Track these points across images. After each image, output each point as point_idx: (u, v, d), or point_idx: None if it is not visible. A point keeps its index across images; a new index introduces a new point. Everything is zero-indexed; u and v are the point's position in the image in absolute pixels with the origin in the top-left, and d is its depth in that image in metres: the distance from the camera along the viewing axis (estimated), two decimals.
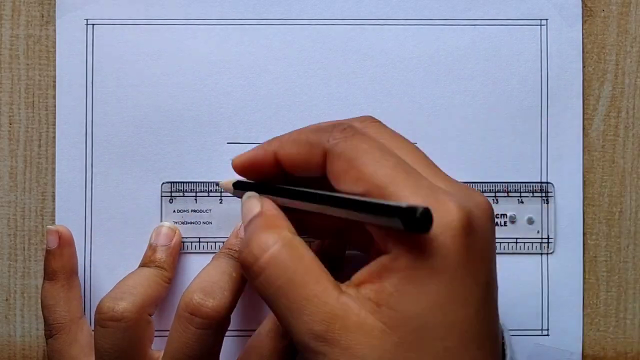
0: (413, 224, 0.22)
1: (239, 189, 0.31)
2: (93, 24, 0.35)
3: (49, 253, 0.34)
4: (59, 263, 0.34)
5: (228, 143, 0.35)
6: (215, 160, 0.35)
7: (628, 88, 0.36)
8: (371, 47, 0.35)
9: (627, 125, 0.36)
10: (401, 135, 0.28)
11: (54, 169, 0.35)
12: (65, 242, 0.34)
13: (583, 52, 0.36)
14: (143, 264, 0.34)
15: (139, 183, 0.35)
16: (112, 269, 0.35)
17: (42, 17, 0.36)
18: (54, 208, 0.35)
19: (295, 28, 0.36)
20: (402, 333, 0.23)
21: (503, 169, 0.35)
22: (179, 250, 0.35)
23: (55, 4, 0.35)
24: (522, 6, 0.36)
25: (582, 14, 0.36)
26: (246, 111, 0.35)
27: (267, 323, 0.32)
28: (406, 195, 0.24)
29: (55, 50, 0.35)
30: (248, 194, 0.30)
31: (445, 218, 0.23)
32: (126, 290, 0.31)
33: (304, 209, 0.27)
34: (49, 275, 0.34)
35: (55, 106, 0.35)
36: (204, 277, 0.31)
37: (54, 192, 0.35)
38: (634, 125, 0.36)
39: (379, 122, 0.28)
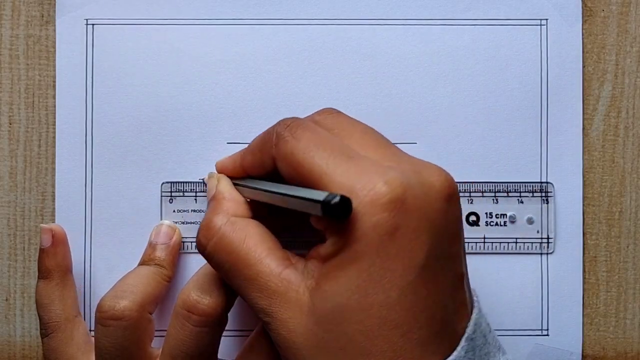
0: (330, 212, 0.23)
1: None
2: (93, 24, 0.35)
3: (42, 252, 0.34)
4: (52, 262, 0.34)
5: (228, 143, 0.35)
6: (215, 160, 0.35)
7: (628, 88, 0.36)
8: (371, 47, 0.35)
9: (627, 125, 0.36)
10: (358, 122, 0.28)
11: (54, 169, 0.35)
12: (58, 241, 0.34)
13: (583, 52, 0.36)
14: (142, 262, 0.34)
15: (139, 183, 0.35)
16: (111, 268, 0.35)
17: (42, 17, 0.36)
18: (54, 208, 0.35)
19: (295, 28, 0.36)
20: (323, 312, 0.24)
21: (503, 169, 0.35)
22: (179, 249, 0.35)
23: (55, 4, 0.35)
24: (522, 6, 0.36)
25: (582, 14, 0.36)
26: (246, 111, 0.35)
27: None
28: (339, 181, 0.24)
29: (55, 50, 0.35)
30: (209, 174, 0.32)
31: (370, 197, 0.23)
32: (127, 288, 0.31)
33: (260, 200, 0.29)
34: (43, 274, 0.34)
35: (55, 106, 0.35)
36: (201, 276, 0.31)
37: (54, 192, 0.35)
38: (634, 125, 0.36)
39: (338, 112, 0.29)
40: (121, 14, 0.35)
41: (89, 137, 0.35)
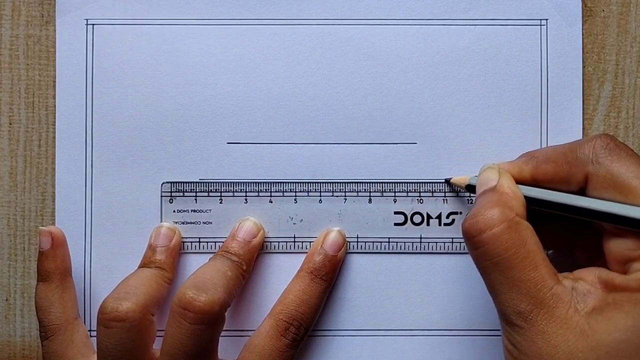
0: None
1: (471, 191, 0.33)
2: (93, 24, 0.35)
3: (42, 254, 0.34)
4: (52, 264, 0.33)
5: (228, 143, 0.35)
6: (215, 160, 0.35)
7: (628, 88, 0.36)
8: (371, 47, 0.35)
9: (627, 125, 0.36)
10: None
11: (54, 169, 0.35)
12: (58, 243, 0.34)
13: (583, 52, 0.36)
14: (143, 265, 0.34)
15: (139, 183, 0.35)
16: (111, 269, 0.35)
17: (42, 17, 0.36)
18: (54, 208, 0.35)
19: (295, 28, 0.36)
20: (606, 341, 0.25)
21: None
22: (179, 251, 0.35)
23: (55, 4, 0.35)
24: (522, 6, 0.36)
25: (582, 14, 0.36)
26: (246, 111, 0.35)
27: (267, 322, 0.32)
28: None
29: (55, 50, 0.35)
30: (488, 165, 0.31)
31: None
32: (129, 290, 0.31)
33: (548, 210, 0.29)
34: (42, 276, 0.33)
35: (55, 106, 0.35)
36: (198, 275, 0.31)
37: (54, 192, 0.35)
38: (634, 125, 0.36)
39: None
40: (121, 14, 0.35)
41: (89, 137, 0.35)
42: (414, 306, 0.35)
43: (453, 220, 0.35)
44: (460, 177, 0.34)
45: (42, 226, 0.34)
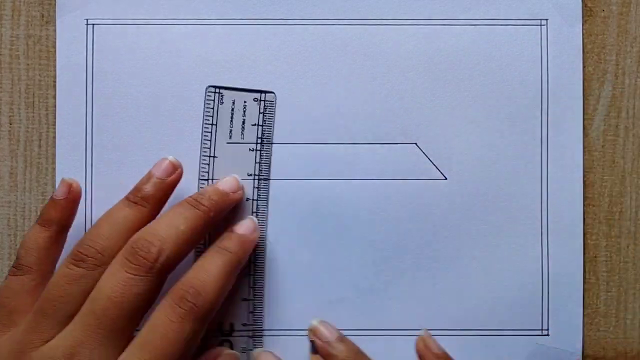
0: None
1: None
2: (93, 24, 0.35)
3: (52, 201, 0.33)
4: (58, 214, 0.33)
5: (228, 143, 0.35)
6: (215, 160, 0.35)
7: (628, 88, 0.36)
8: (371, 47, 0.35)
9: (627, 125, 0.36)
10: None
11: (54, 169, 0.35)
12: (73, 197, 0.33)
13: (583, 52, 0.36)
14: (128, 198, 0.33)
15: None
16: None
17: (42, 17, 0.36)
18: None
19: (295, 28, 0.36)
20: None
21: (503, 169, 0.35)
22: (174, 187, 0.33)
23: (55, 4, 0.35)
24: (522, 6, 0.36)
25: (582, 14, 0.36)
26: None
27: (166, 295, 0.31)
28: None
29: (55, 50, 0.35)
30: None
31: None
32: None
33: None
34: (43, 221, 0.33)
35: (55, 106, 0.35)
36: (152, 225, 0.31)
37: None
38: (634, 125, 0.36)
39: None
40: (121, 14, 0.35)
41: (89, 137, 0.35)
42: (414, 306, 0.35)
43: None
44: None
45: (66, 177, 0.34)
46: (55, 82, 0.35)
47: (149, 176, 0.33)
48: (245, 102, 0.35)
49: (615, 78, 0.36)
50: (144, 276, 0.29)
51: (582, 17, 0.36)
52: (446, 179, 0.35)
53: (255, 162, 0.35)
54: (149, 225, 0.31)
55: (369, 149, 0.35)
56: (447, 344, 0.35)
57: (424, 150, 0.35)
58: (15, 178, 0.36)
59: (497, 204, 0.35)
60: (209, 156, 0.35)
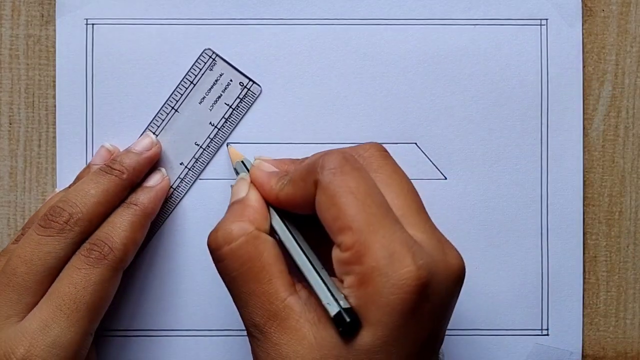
0: (341, 325, 0.25)
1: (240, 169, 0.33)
2: (93, 24, 0.35)
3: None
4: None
5: (228, 143, 0.35)
6: (215, 160, 0.35)
7: (628, 88, 0.36)
8: (371, 47, 0.35)
9: (627, 125, 0.36)
10: (401, 172, 0.29)
11: (54, 169, 0.35)
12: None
13: (583, 52, 0.36)
14: (103, 168, 0.33)
15: None
16: None
17: (42, 17, 0.36)
18: None
19: (295, 28, 0.36)
20: (325, 355, 0.25)
21: (503, 169, 0.35)
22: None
23: (55, 4, 0.35)
24: (522, 6, 0.36)
25: (582, 14, 0.36)
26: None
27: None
28: (375, 248, 0.25)
29: (55, 50, 0.35)
30: (242, 175, 0.31)
31: (402, 280, 0.24)
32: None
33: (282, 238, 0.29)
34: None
35: (55, 106, 0.35)
36: (65, 194, 0.32)
37: (53, 192, 0.35)
38: (634, 125, 0.36)
39: (385, 153, 0.29)
40: (121, 14, 0.35)
41: (89, 137, 0.35)
42: None
43: None
44: (236, 153, 0.34)
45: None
46: (55, 82, 0.35)
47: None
48: (231, 80, 0.35)
49: (615, 78, 0.36)
50: (54, 236, 0.30)
51: (582, 17, 0.36)
52: (446, 179, 0.35)
53: (207, 138, 0.35)
54: (63, 193, 0.32)
55: None
56: (447, 344, 0.35)
57: (424, 150, 0.35)
58: (15, 178, 0.36)
59: (497, 204, 0.35)
60: (173, 108, 0.35)
